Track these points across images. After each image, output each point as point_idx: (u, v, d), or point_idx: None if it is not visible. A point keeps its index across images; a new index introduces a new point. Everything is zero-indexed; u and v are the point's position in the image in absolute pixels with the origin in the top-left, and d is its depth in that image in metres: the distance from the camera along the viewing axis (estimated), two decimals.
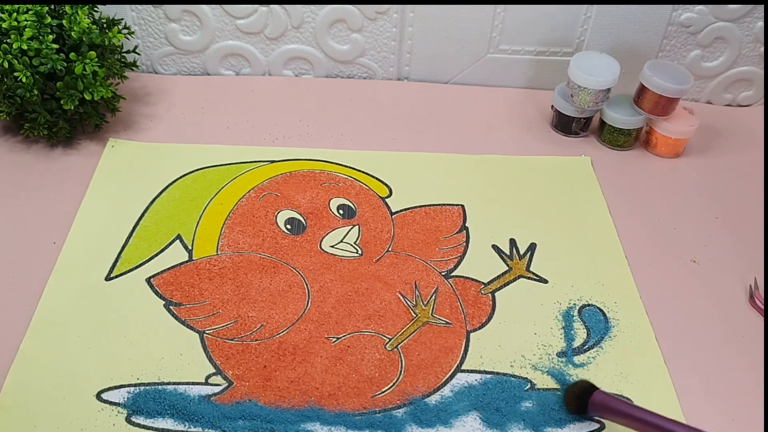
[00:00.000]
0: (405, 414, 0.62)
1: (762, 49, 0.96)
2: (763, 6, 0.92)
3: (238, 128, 0.89)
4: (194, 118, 0.91)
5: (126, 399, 0.61)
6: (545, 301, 0.72)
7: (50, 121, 0.81)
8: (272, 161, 0.84)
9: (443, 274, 0.74)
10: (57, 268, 0.71)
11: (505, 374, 0.65)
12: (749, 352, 0.69)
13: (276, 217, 0.78)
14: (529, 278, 0.74)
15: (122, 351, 0.65)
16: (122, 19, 0.88)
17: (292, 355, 0.66)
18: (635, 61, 0.94)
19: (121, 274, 0.71)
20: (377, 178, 0.84)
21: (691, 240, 0.79)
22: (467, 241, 0.77)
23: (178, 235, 0.75)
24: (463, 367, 0.66)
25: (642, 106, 0.88)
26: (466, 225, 0.79)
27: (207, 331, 0.67)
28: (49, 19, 0.76)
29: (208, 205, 0.79)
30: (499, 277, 0.74)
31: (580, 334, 0.69)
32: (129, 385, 0.63)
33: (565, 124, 0.92)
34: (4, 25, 0.75)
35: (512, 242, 0.78)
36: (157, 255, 0.73)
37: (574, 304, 0.72)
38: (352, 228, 0.78)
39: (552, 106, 0.93)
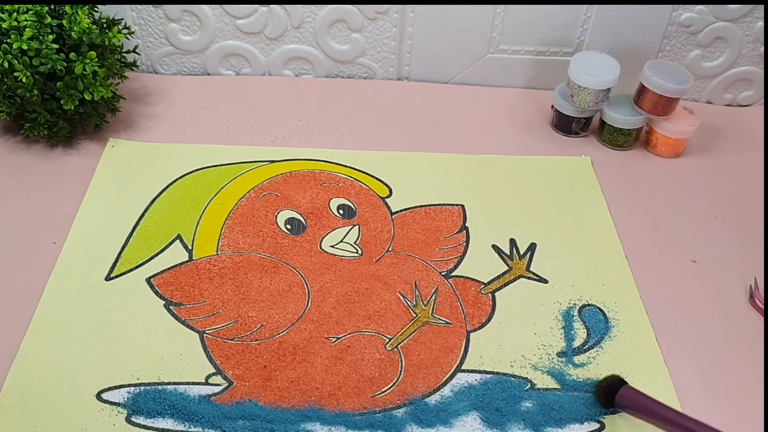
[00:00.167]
0: (405, 414, 0.62)
1: (762, 49, 0.96)
2: (763, 6, 0.92)
3: (238, 128, 0.89)
4: (194, 118, 0.91)
5: (126, 399, 0.62)
6: (545, 301, 0.72)
7: (50, 121, 0.81)
8: (272, 161, 0.84)
9: (443, 274, 0.74)
10: (57, 268, 0.71)
11: (505, 374, 0.65)
12: (749, 352, 0.69)
13: (276, 217, 0.78)
14: (529, 278, 0.74)
15: (122, 351, 0.65)
16: (122, 19, 0.88)
17: (292, 355, 0.66)
18: (635, 61, 0.94)
19: (121, 274, 0.71)
20: (377, 178, 0.84)
21: (691, 240, 0.79)
22: (467, 241, 0.77)
23: (178, 235, 0.75)
24: (463, 367, 0.66)
25: (642, 106, 0.88)
26: (466, 225, 0.79)
27: (207, 331, 0.67)
28: (49, 19, 0.77)
29: (208, 205, 0.79)
30: (499, 277, 0.74)
31: (580, 334, 0.69)
32: (129, 385, 0.63)
33: (565, 124, 0.92)
34: (4, 25, 0.75)
35: (512, 242, 0.78)
36: (157, 255, 0.73)
37: (574, 304, 0.72)
38: (352, 228, 0.78)
39: (552, 106, 0.93)
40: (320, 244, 0.75)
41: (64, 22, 0.78)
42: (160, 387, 0.63)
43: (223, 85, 0.96)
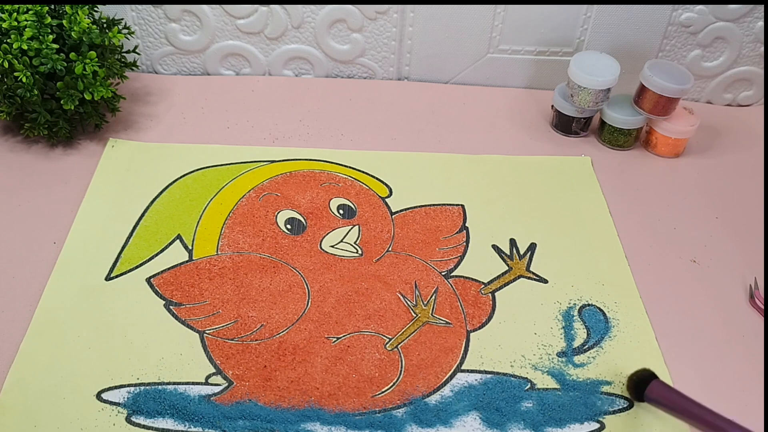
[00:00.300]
0: (405, 414, 0.62)
1: (762, 49, 0.96)
2: (763, 6, 0.92)
3: (238, 128, 0.90)
4: (194, 118, 0.91)
5: (126, 399, 0.62)
6: (545, 301, 0.72)
7: (50, 121, 0.81)
8: (272, 161, 0.84)
9: (443, 274, 0.74)
10: (57, 268, 0.71)
11: (505, 374, 0.65)
12: (749, 352, 0.69)
13: (276, 217, 0.78)
14: (529, 278, 0.74)
15: (122, 351, 0.65)
16: (122, 19, 0.88)
17: (292, 355, 0.66)
18: (635, 61, 0.94)
19: (121, 274, 0.71)
20: (377, 178, 0.84)
21: (691, 240, 0.79)
22: (467, 241, 0.77)
23: (178, 235, 0.75)
24: (463, 367, 0.66)
25: (642, 106, 0.88)
26: (466, 225, 0.79)
27: (207, 331, 0.67)
28: (49, 19, 0.77)
29: (208, 205, 0.79)
30: (499, 277, 0.74)
31: (580, 334, 0.69)
32: (129, 385, 0.63)
33: (565, 124, 0.92)
34: (4, 25, 0.75)
35: (512, 242, 0.78)
36: (157, 255, 0.73)
37: (574, 304, 0.72)
38: (352, 228, 0.78)
39: (552, 106, 0.93)
40: (320, 244, 0.75)
41: (64, 22, 0.78)
42: (160, 387, 0.63)
43: (223, 85, 0.96)
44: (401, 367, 0.66)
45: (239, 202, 0.79)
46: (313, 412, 0.62)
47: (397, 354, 0.67)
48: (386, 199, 0.81)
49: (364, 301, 0.71)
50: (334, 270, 0.73)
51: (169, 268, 0.72)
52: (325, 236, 0.76)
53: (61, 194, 0.79)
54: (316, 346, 0.67)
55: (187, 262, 0.73)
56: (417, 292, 0.72)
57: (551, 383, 0.65)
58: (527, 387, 0.65)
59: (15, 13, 0.76)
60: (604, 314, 0.71)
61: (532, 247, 0.77)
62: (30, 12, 0.76)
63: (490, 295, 0.72)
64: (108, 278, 0.71)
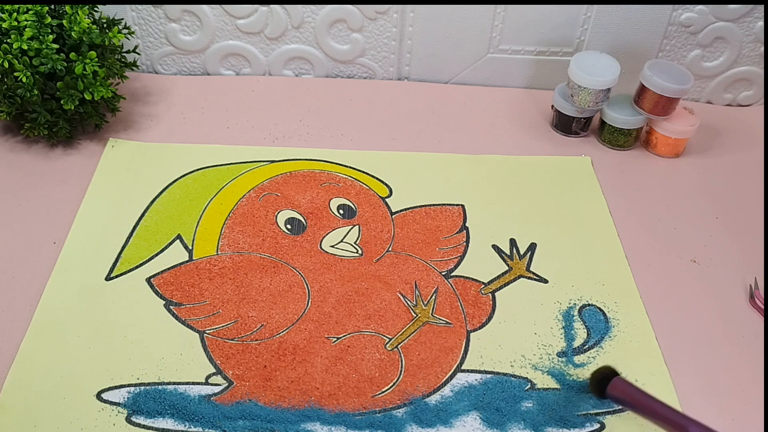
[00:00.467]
0: (405, 414, 0.62)
1: (762, 49, 0.96)
2: (763, 6, 0.92)
3: (238, 128, 0.89)
4: (194, 118, 0.91)
5: (126, 399, 0.61)
6: (545, 301, 0.72)
7: (50, 121, 0.81)
8: (272, 161, 0.84)
9: (443, 274, 0.74)
10: (57, 268, 0.71)
11: (505, 374, 0.65)
12: (749, 352, 0.69)
13: (276, 217, 0.78)
14: (529, 278, 0.74)
15: (122, 351, 0.65)
16: (122, 19, 0.88)
17: (292, 355, 0.66)
18: (635, 61, 0.94)
19: (121, 274, 0.71)
20: (377, 178, 0.84)
21: (691, 240, 0.79)
22: (467, 241, 0.77)
23: (178, 235, 0.75)
24: (463, 367, 0.66)
25: (642, 106, 0.88)
26: (466, 225, 0.79)
27: (207, 331, 0.67)
28: (49, 19, 0.77)
29: (208, 205, 0.79)
30: (499, 277, 0.74)
31: (581, 334, 0.69)
32: (129, 385, 0.63)
33: (565, 124, 0.92)
34: (4, 25, 0.75)
35: (512, 242, 0.78)
36: (157, 255, 0.73)
37: (575, 304, 0.72)
38: (352, 228, 0.78)
39: (552, 106, 0.93)
40: (320, 244, 0.75)
41: (64, 22, 0.78)
42: (160, 387, 0.63)
43: (223, 85, 0.96)
44: (401, 367, 0.66)
45: (239, 202, 0.79)
46: (313, 412, 0.62)
47: (397, 354, 0.67)
48: (386, 199, 0.81)
49: (364, 301, 0.71)
50: (334, 270, 0.73)
51: (169, 268, 0.72)
52: (325, 236, 0.76)
53: (61, 194, 0.79)
54: (316, 346, 0.67)
55: (187, 262, 0.73)
56: (417, 292, 0.72)
57: (551, 383, 0.65)
58: (527, 387, 0.65)
59: (15, 13, 0.76)
60: (604, 314, 0.71)
61: (532, 247, 0.77)
62: (30, 12, 0.76)
63: (490, 295, 0.72)
64: (108, 278, 0.71)
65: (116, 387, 0.62)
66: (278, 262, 0.73)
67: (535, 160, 0.88)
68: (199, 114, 0.91)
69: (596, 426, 0.62)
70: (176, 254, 0.73)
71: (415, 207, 0.81)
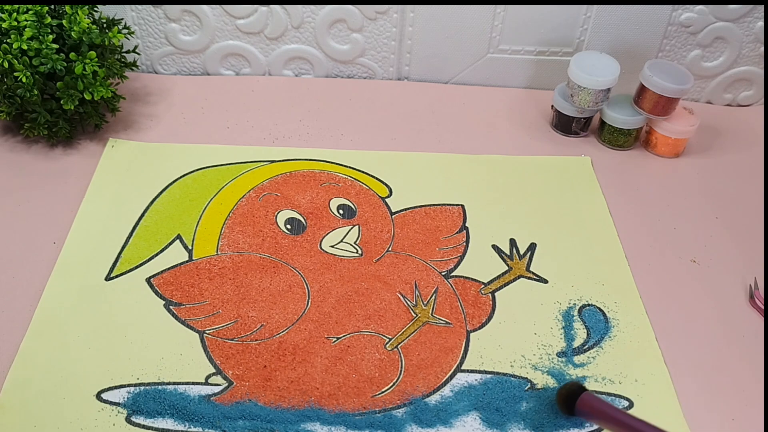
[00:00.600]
0: (405, 414, 0.62)
1: (762, 49, 0.96)
2: (763, 6, 0.92)
3: (238, 128, 0.89)
4: (194, 118, 0.91)
5: (126, 399, 0.62)
6: (545, 301, 0.72)
7: (50, 121, 0.81)
8: (272, 161, 0.84)
9: (443, 274, 0.74)
10: (57, 268, 0.71)
11: (505, 374, 0.65)
12: (749, 352, 0.69)
13: (276, 217, 0.78)
14: (529, 278, 0.74)
15: (122, 351, 0.65)
16: (122, 19, 0.88)
17: (292, 355, 0.66)
18: (635, 61, 0.94)
19: (121, 274, 0.71)
20: (377, 178, 0.84)
21: (691, 240, 0.79)
22: (467, 241, 0.77)
23: (178, 235, 0.75)
24: (463, 367, 0.66)
25: (642, 106, 0.88)
26: (466, 225, 0.79)
27: (207, 331, 0.67)
28: (49, 19, 0.77)
29: (208, 205, 0.79)
30: (499, 277, 0.74)
31: (580, 334, 0.69)
32: (129, 385, 0.63)
33: (565, 124, 0.92)
34: (4, 25, 0.75)
35: (512, 242, 0.78)
36: (157, 255, 0.73)
37: (574, 304, 0.72)
38: (352, 228, 0.78)
39: (552, 106, 0.93)
40: (320, 244, 0.75)
41: (64, 22, 0.78)
42: (160, 387, 0.63)
43: (223, 85, 0.96)
44: (401, 367, 0.66)
45: (239, 202, 0.79)
46: (313, 412, 0.62)
47: (397, 354, 0.67)
48: (386, 199, 0.81)
49: (364, 301, 0.71)
50: (334, 270, 0.73)
51: (169, 268, 0.72)
52: (325, 236, 0.76)
53: (61, 194, 0.79)
54: (316, 346, 0.67)
55: (187, 262, 0.73)
56: (417, 292, 0.72)
57: (551, 383, 0.65)
58: (527, 387, 0.65)
59: (15, 13, 0.76)
60: (604, 314, 0.71)
61: (532, 247, 0.77)
62: (30, 12, 0.76)
63: (490, 295, 0.72)
64: (108, 278, 0.71)
65: (116, 387, 0.62)
66: (278, 262, 0.73)
67: (535, 160, 0.88)
68: (199, 114, 0.91)
69: (596, 426, 0.62)
70: (176, 254, 0.73)
71: (415, 207, 0.81)
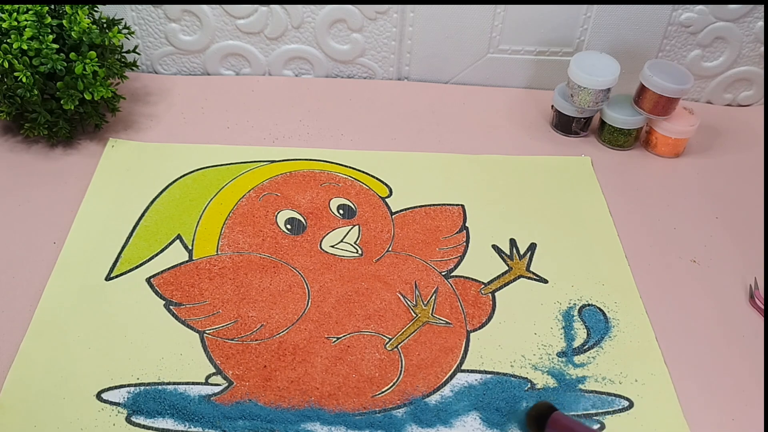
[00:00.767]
0: (405, 414, 0.62)
1: (762, 49, 0.96)
2: (763, 6, 0.92)
3: (238, 128, 0.89)
4: (194, 118, 0.91)
5: (126, 399, 0.62)
6: (545, 301, 0.72)
7: (50, 121, 0.81)
8: (272, 161, 0.84)
9: (443, 274, 0.74)
10: (57, 268, 0.71)
11: (505, 374, 0.65)
12: (749, 352, 0.69)
13: (276, 217, 0.78)
14: (529, 278, 0.74)
15: (122, 351, 0.65)
16: (122, 19, 0.88)
17: (292, 355, 0.66)
18: (635, 61, 0.94)
19: (121, 274, 0.71)
20: (377, 178, 0.84)
21: (691, 240, 0.79)
22: (467, 241, 0.77)
23: (178, 235, 0.75)
24: (463, 367, 0.66)
25: (642, 106, 0.88)
26: (466, 225, 0.79)
27: (207, 331, 0.67)
28: (49, 19, 0.76)
29: (208, 205, 0.79)
30: (499, 277, 0.74)
31: (580, 334, 0.69)
32: (129, 385, 0.63)
33: (565, 124, 0.92)
34: (4, 25, 0.75)
35: (512, 242, 0.78)
36: (157, 255, 0.73)
37: (574, 304, 0.72)
38: (352, 228, 0.78)
39: (552, 106, 0.93)
40: (320, 244, 0.75)
41: (64, 22, 0.78)
42: (160, 387, 0.63)
43: (223, 85, 0.96)
44: (401, 367, 0.66)
45: (239, 202, 0.79)
46: (313, 412, 0.62)
47: (397, 354, 0.67)
48: (386, 199, 0.81)
49: (364, 301, 0.71)
50: (334, 270, 0.73)
51: (169, 268, 0.72)
52: (325, 236, 0.76)
53: (61, 194, 0.79)
54: (316, 346, 0.67)
55: (187, 262, 0.73)
56: (417, 292, 0.72)
57: (551, 383, 0.65)
58: (527, 387, 0.65)
59: (15, 13, 0.76)
60: (604, 314, 0.71)
61: (532, 247, 0.77)
62: (30, 12, 0.76)
63: (490, 295, 0.72)
64: (108, 278, 0.71)
65: (116, 387, 0.62)
66: (278, 262, 0.73)
67: (535, 160, 0.88)
68: (199, 114, 0.91)
69: (596, 426, 0.62)
70: (176, 254, 0.73)
71: (415, 207, 0.81)
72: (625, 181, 0.86)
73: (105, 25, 0.84)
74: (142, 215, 0.77)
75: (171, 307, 0.69)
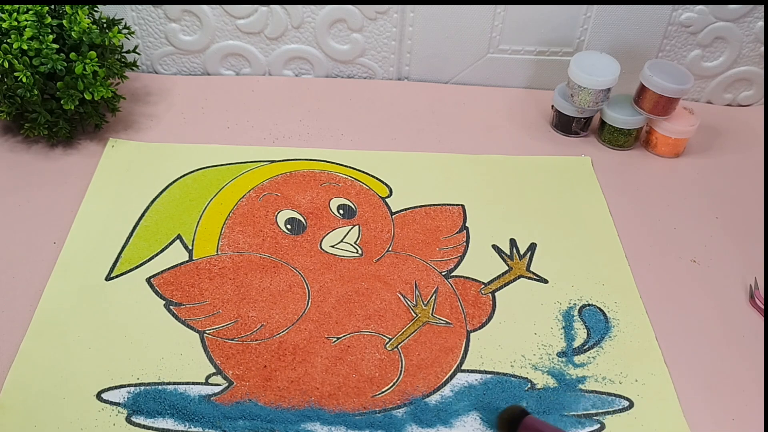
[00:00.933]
0: (405, 414, 0.62)
1: (762, 49, 0.96)
2: (763, 6, 0.92)
3: (238, 128, 0.89)
4: (194, 118, 0.91)
5: (126, 399, 0.62)
6: (545, 301, 0.72)
7: (50, 121, 0.81)
8: (272, 161, 0.84)
9: (443, 274, 0.74)
10: (57, 268, 0.71)
11: (505, 374, 0.65)
12: (749, 352, 0.69)
13: (276, 217, 0.78)
14: (529, 278, 0.74)
15: (122, 351, 0.65)
16: (122, 19, 0.88)
17: (292, 355, 0.66)
18: (635, 61, 0.94)
19: (121, 274, 0.71)
20: (377, 178, 0.84)
21: (691, 240, 0.79)
22: (467, 241, 0.77)
23: (178, 235, 0.75)
24: (463, 367, 0.66)
25: (642, 106, 0.88)
26: (466, 225, 0.79)
27: (207, 331, 0.67)
28: (49, 19, 0.76)
29: (208, 205, 0.79)
30: (499, 277, 0.74)
31: (581, 334, 0.69)
32: (129, 385, 0.63)
33: (565, 124, 0.92)
34: (4, 25, 0.75)
35: (512, 242, 0.78)
36: (157, 255, 0.73)
37: (575, 304, 0.72)
38: (352, 228, 0.78)
39: (552, 106, 0.93)
40: (320, 244, 0.75)
41: (64, 22, 0.78)
42: (160, 387, 0.63)
43: (223, 85, 0.96)
44: (401, 367, 0.66)
45: (239, 202, 0.79)
46: (313, 412, 0.62)
47: (397, 354, 0.67)
48: (386, 199, 0.81)
49: (364, 301, 0.71)
50: (334, 270, 0.73)
51: (169, 268, 0.72)
52: (325, 236, 0.76)
53: (61, 194, 0.79)
54: (316, 346, 0.67)
55: (187, 262, 0.73)
56: (417, 292, 0.72)
57: (551, 383, 0.65)
58: (527, 387, 0.65)
59: (15, 13, 0.76)
60: (604, 314, 0.71)
61: (532, 247, 0.77)
62: (30, 12, 0.76)
63: (490, 295, 0.72)
64: (108, 278, 0.71)
65: (116, 387, 0.62)
66: (278, 262, 0.73)
67: (535, 160, 0.88)
68: (199, 114, 0.91)
69: (596, 426, 0.62)
70: (176, 254, 0.73)
71: (415, 207, 0.81)
72: (625, 181, 0.86)
73: (105, 25, 0.84)
74: (142, 215, 0.77)
75: (171, 307, 0.69)
